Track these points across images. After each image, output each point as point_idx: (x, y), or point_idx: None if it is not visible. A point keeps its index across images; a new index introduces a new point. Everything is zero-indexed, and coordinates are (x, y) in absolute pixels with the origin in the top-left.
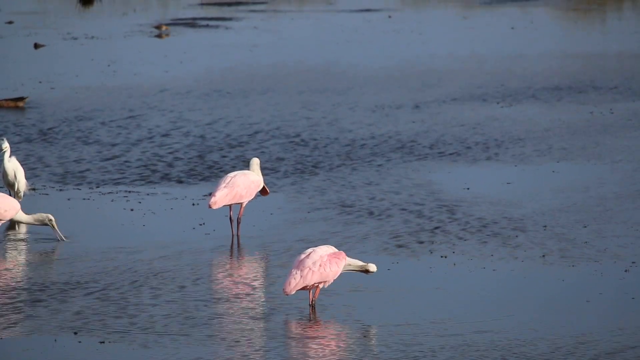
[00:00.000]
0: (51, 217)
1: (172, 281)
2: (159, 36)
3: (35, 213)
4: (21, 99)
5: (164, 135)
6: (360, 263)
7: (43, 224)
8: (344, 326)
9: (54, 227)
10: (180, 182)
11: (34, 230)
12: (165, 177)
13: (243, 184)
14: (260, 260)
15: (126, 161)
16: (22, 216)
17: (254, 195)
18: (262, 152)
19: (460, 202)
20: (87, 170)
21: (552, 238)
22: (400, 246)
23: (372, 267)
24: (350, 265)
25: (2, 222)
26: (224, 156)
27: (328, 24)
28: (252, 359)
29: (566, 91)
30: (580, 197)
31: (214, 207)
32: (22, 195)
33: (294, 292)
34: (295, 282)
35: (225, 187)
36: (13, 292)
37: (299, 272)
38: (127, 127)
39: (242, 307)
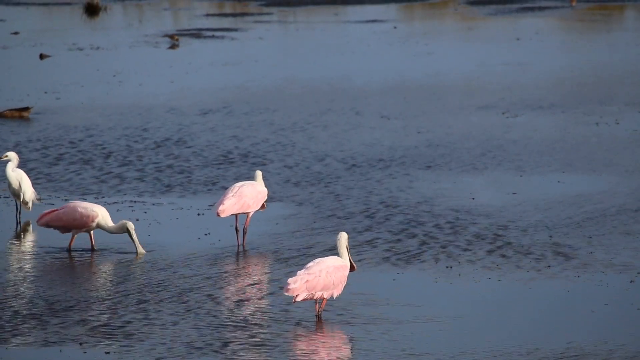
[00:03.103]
0: (132, 225)
1: (178, 291)
2: (173, 47)
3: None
4: (26, 109)
5: (169, 146)
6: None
7: (126, 231)
8: (349, 336)
9: (132, 236)
10: (185, 192)
11: (42, 241)
12: (171, 187)
13: (250, 194)
14: (266, 271)
15: (131, 171)
16: (109, 224)
17: (259, 206)
18: (268, 163)
19: (466, 212)
20: (92, 180)
21: (557, 248)
22: (405, 256)
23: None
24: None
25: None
26: (229, 167)
27: (334, 35)
28: None
29: (572, 102)
30: (586, 208)
31: (222, 215)
32: (30, 205)
33: (300, 299)
34: (300, 283)
35: (233, 196)
36: (19, 303)
37: (305, 275)
38: (132, 137)
39: (247, 317)
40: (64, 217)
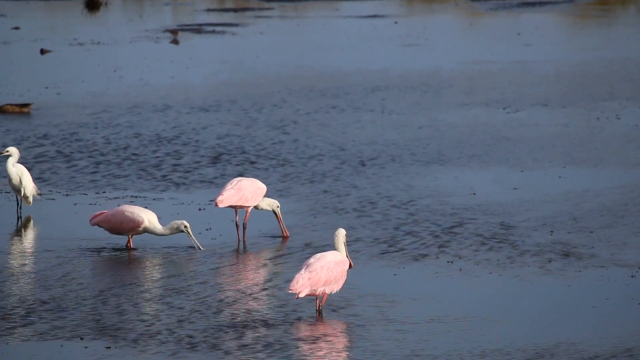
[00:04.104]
0: (186, 223)
1: (179, 286)
2: (174, 42)
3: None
4: (26, 105)
5: (169, 142)
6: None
7: (179, 231)
8: (350, 331)
9: (189, 234)
10: (186, 187)
11: (43, 237)
12: (171, 183)
13: (250, 188)
14: (267, 266)
15: (132, 166)
16: (157, 228)
17: (258, 202)
18: (267, 158)
19: (467, 207)
20: (93, 174)
21: (558, 243)
22: (406, 251)
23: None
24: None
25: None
26: (229, 163)
27: (334, 30)
28: None
29: (572, 97)
30: (587, 203)
31: (220, 205)
32: (30, 200)
33: (302, 295)
34: (303, 281)
35: (232, 188)
36: (19, 298)
37: (307, 273)
38: (133, 132)
39: (248, 312)
40: (112, 219)
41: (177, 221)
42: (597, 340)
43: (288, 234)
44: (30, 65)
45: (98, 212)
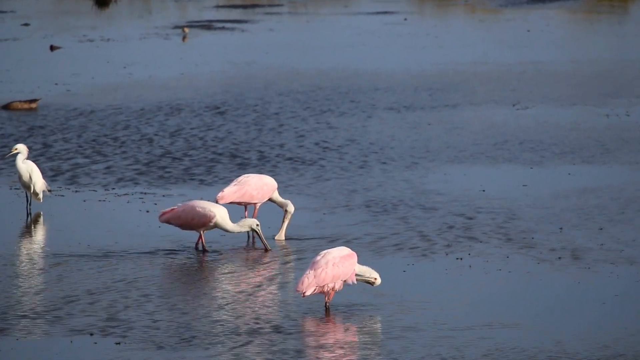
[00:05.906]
0: (257, 222)
1: (188, 282)
2: (183, 39)
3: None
4: (34, 100)
5: (179, 139)
6: (368, 274)
7: (251, 229)
8: (357, 327)
9: (259, 234)
10: (195, 184)
11: (53, 233)
12: (181, 179)
13: (255, 184)
14: (275, 262)
15: (141, 163)
16: (228, 224)
17: (266, 199)
18: (277, 156)
19: (476, 204)
20: (102, 171)
21: (567, 240)
22: (415, 248)
23: (378, 281)
24: (359, 275)
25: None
26: (238, 160)
27: (344, 27)
28: None
29: (582, 94)
30: (596, 200)
31: (221, 202)
32: (40, 197)
33: (308, 294)
34: (309, 281)
35: (235, 184)
36: (29, 294)
37: (312, 271)
38: (142, 129)
39: (257, 308)
40: (183, 215)
41: (248, 219)
42: (606, 336)
43: (288, 237)
44: (40, 61)
45: (167, 209)
